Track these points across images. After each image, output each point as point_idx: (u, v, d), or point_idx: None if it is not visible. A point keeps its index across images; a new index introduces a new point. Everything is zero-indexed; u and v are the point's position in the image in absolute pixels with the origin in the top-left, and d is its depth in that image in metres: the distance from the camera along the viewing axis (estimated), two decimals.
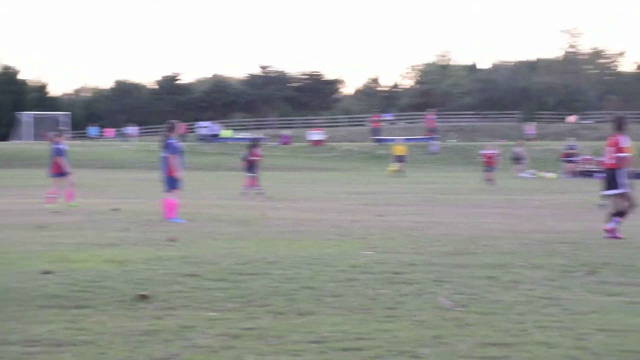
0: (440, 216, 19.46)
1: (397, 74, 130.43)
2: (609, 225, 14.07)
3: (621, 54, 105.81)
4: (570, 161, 50.28)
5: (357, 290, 8.78)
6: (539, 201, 26.09)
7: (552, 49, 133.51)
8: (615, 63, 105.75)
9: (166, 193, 17.81)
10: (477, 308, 7.79)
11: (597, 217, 16.89)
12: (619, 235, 13.91)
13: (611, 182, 14.34)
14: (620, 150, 14.29)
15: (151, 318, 7.34)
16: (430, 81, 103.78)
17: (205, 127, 79.15)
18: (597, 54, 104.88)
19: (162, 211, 17.77)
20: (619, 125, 14.59)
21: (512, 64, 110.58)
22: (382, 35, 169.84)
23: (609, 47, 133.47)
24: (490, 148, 41.70)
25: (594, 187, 30.09)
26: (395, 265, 10.54)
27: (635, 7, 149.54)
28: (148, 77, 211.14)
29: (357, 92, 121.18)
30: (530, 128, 76.27)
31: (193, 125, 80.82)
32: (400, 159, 50.70)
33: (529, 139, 68.87)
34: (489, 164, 39.09)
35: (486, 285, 9.06)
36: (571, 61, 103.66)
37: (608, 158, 14.47)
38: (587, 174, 46.31)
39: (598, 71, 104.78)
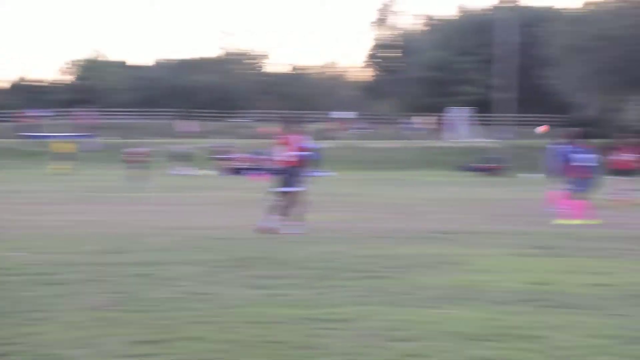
0: (95, 214, 19.15)
1: (54, 69, 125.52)
2: (275, 225, 14.44)
3: (266, 56, 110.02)
4: (221, 159, 51.70)
5: (4, 293, 8.38)
6: (194, 198, 26.50)
7: (213, 49, 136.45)
8: (268, 64, 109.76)
9: None
10: (130, 306, 7.73)
11: (251, 213, 17.45)
12: (288, 231, 14.37)
13: (287, 180, 14.86)
14: (297, 149, 14.87)
15: None
16: (87, 77, 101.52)
17: None
18: (250, 55, 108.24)
19: None
20: (292, 125, 15.24)
21: (174, 62, 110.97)
22: (36, 29, 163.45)
23: (263, 48, 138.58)
24: (141, 146, 41.77)
25: (249, 184, 31.18)
26: (46, 266, 10.19)
27: (281, 10, 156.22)
28: None
29: (12, 86, 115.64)
30: (191, 125, 77.15)
31: None
32: (65, 156, 49.40)
33: (189, 137, 69.70)
34: (137, 161, 39.11)
35: (139, 284, 9.02)
36: (228, 61, 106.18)
37: (283, 157, 14.93)
38: (239, 171, 47.93)
39: (253, 71, 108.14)
